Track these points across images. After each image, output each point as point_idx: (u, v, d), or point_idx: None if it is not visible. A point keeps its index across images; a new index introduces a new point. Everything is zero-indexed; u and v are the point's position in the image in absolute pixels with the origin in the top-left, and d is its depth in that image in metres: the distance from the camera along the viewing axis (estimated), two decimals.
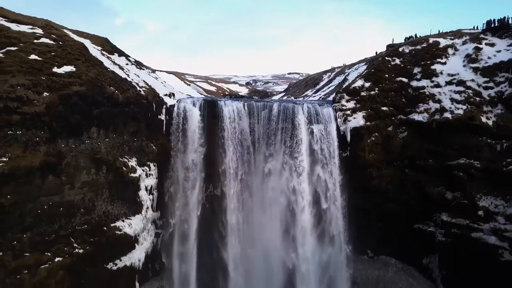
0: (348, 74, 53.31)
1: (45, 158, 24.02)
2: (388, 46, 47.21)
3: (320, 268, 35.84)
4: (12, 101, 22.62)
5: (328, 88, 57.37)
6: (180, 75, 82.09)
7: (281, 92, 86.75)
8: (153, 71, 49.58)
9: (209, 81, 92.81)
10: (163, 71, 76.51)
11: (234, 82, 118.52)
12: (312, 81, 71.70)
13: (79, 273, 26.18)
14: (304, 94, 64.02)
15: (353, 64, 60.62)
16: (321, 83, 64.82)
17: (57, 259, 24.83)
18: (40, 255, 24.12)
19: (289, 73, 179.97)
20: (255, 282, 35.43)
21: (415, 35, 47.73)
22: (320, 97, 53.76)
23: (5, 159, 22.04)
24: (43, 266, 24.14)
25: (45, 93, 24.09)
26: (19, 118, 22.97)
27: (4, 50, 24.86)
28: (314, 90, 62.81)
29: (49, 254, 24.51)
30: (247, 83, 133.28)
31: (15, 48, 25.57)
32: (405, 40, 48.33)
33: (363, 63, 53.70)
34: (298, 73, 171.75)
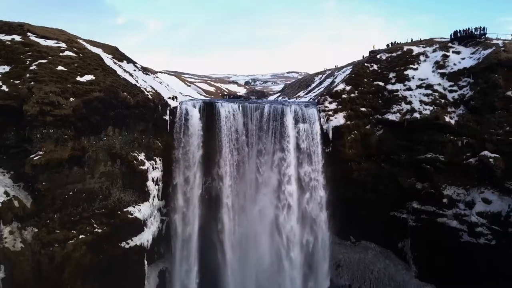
0: (336, 76, 57.42)
1: (72, 152, 29.01)
2: (370, 52, 51.73)
3: (303, 251, 40.23)
4: (46, 105, 27.60)
5: (318, 89, 61.63)
6: (180, 76, 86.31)
7: (277, 92, 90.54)
8: (156, 73, 54.25)
9: (208, 81, 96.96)
10: (164, 72, 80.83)
11: (233, 82, 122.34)
12: (304, 83, 75.89)
13: (98, 249, 31.20)
14: (297, 95, 68.19)
15: (342, 67, 64.92)
16: (313, 85, 69.08)
17: (81, 236, 29.91)
18: (68, 232, 29.20)
19: (288, 72, 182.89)
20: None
21: (395, 42, 52.26)
22: (311, 98, 57.90)
23: (41, 153, 27.16)
24: (70, 242, 29.26)
25: (71, 99, 28.98)
26: (51, 119, 27.92)
27: (37, 63, 29.84)
28: (306, 91, 67.01)
29: (74, 232, 29.58)
30: (246, 83, 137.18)
31: (45, 60, 30.52)
32: (387, 46, 52.85)
33: (350, 67, 57.92)
34: (297, 72, 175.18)
